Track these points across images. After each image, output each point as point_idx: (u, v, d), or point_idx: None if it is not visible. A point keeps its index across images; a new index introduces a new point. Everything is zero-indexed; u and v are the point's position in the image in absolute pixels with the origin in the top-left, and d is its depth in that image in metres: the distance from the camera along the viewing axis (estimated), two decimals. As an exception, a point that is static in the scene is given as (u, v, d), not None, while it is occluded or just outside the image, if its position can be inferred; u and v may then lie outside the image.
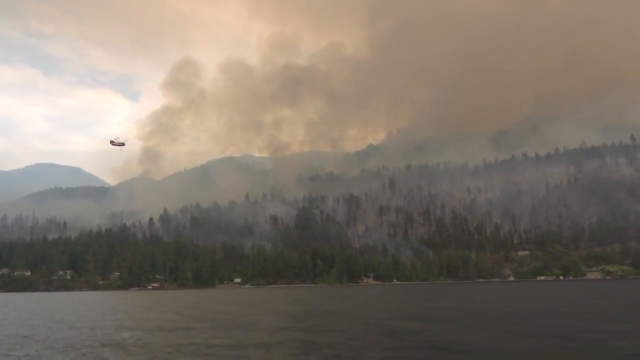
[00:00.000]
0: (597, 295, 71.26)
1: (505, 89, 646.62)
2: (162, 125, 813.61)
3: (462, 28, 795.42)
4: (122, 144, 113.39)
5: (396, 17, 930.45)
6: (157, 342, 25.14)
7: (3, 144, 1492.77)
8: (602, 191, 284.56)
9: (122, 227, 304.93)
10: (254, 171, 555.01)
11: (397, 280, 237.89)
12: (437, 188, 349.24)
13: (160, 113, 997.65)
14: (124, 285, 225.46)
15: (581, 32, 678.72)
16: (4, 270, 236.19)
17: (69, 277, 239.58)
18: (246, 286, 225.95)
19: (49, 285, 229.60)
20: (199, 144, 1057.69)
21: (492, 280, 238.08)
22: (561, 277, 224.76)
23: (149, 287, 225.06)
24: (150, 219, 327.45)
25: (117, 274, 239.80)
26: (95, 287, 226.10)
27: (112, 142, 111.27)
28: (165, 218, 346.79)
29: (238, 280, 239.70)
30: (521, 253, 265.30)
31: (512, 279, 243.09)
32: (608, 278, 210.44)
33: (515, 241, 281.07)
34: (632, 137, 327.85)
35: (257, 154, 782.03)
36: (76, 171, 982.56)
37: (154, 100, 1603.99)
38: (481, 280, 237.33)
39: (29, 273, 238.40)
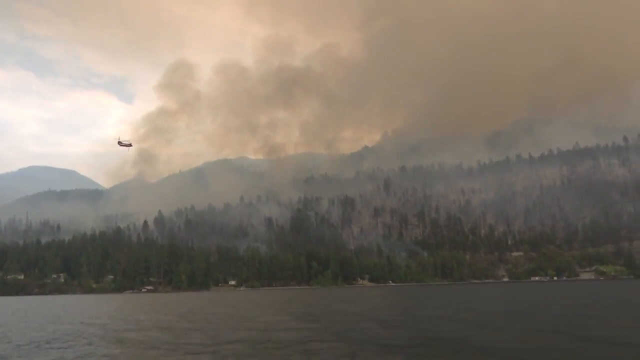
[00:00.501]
0: (597, 295, 71.03)
1: (499, 90, 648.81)
2: (156, 127, 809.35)
3: (457, 30, 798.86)
4: (130, 145, 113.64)
5: (391, 18, 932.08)
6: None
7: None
8: (595, 192, 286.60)
9: (116, 229, 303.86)
10: (249, 173, 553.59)
11: (392, 282, 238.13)
12: (432, 189, 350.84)
13: (154, 115, 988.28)
14: (118, 289, 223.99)
15: (574, 35, 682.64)
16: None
17: (62, 280, 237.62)
18: (241, 288, 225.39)
19: (43, 289, 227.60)
20: (193, 146, 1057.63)
21: (487, 281, 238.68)
22: (555, 278, 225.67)
23: (143, 290, 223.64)
24: (145, 222, 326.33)
25: (111, 277, 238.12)
26: (89, 291, 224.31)
27: (119, 143, 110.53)
28: (159, 220, 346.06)
29: (233, 282, 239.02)
30: (515, 254, 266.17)
31: (506, 279, 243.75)
32: (601, 278, 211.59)
33: (509, 242, 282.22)
34: (625, 138, 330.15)
35: (252, 156, 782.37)
36: (70, 174, 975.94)
37: (148, 102, 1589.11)
38: (475, 281, 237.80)
39: (22, 276, 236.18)
